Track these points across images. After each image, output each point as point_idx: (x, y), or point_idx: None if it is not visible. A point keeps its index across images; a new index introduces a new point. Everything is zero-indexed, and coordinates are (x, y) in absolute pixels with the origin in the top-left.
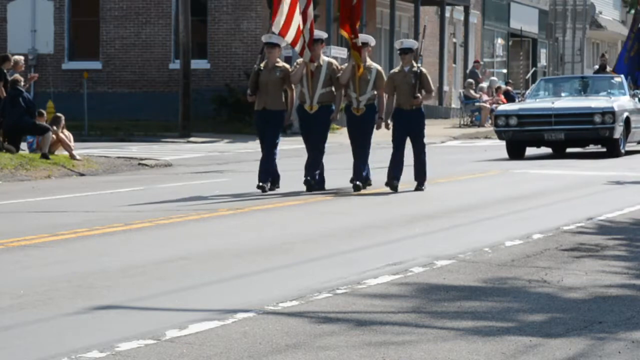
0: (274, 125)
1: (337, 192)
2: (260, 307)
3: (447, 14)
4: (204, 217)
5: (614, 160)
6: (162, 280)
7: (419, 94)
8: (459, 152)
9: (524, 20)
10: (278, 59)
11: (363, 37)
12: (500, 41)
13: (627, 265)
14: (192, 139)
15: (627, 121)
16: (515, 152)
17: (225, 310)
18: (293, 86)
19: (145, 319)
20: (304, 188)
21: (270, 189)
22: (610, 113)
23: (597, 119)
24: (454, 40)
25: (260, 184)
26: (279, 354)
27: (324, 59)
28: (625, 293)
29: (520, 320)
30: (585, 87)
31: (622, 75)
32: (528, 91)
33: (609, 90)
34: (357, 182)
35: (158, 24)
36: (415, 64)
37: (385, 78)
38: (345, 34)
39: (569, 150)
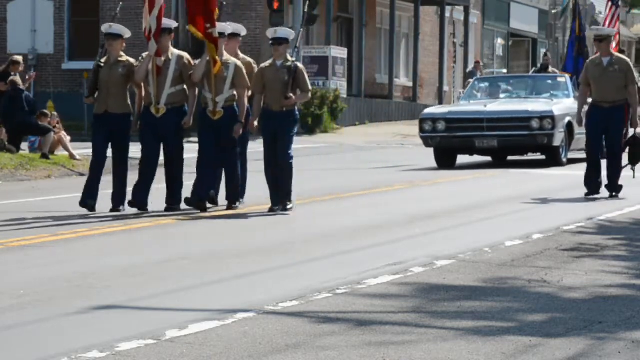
0: (119, 133)
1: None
2: (260, 307)
3: (447, 14)
4: (204, 217)
5: None
6: (162, 280)
7: (291, 94)
8: None
9: (524, 20)
10: (122, 53)
11: (221, 27)
12: (500, 41)
13: (627, 265)
14: (191, 138)
15: (570, 127)
16: (445, 160)
17: (225, 310)
18: (143, 85)
19: (145, 319)
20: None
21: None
22: (549, 117)
23: (535, 124)
24: (454, 40)
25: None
26: (279, 354)
27: (173, 52)
28: (625, 293)
29: (520, 320)
30: (525, 88)
31: (567, 76)
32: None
33: (551, 92)
34: (234, 205)
35: None
36: (290, 58)
37: (245, 74)
38: (192, 28)
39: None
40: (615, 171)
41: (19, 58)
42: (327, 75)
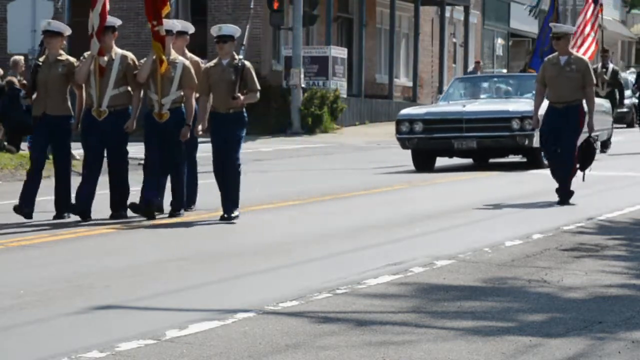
0: (59, 136)
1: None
2: (260, 307)
3: (447, 14)
4: (204, 218)
5: (618, 159)
6: (162, 280)
7: (239, 94)
8: None
9: (524, 20)
10: (62, 51)
11: (169, 24)
12: (500, 41)
13: (627, 265)
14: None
15: None
16: (423, 163)
17: (225, 310)
18: (84, 86)
19: (145, 319)
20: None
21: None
22: (530, 118)
23: (515, 124)
24: (454, 40)
25: (61, 215)
26: (279, 354)
27: (117, 51)
28: (625, 293)
29: (520, 320)
30: (508, 88)
31: None
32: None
33: (534, 92)
34: (178, 212)
35: None
36: (236, 56)
37: (193, 74)
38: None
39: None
40: (566, 175)
41: (20, 58)
42: (327, 75)
